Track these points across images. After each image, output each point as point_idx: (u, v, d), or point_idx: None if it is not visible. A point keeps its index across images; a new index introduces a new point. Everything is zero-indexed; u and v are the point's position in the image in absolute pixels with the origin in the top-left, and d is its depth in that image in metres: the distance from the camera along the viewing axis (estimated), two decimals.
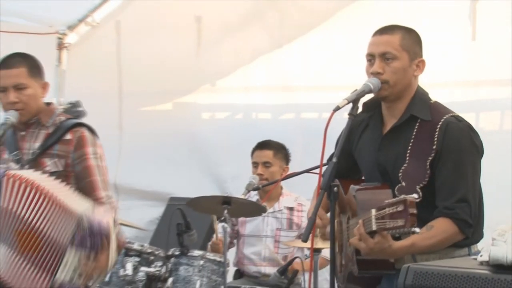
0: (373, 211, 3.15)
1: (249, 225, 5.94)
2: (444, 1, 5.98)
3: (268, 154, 5.89)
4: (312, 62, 6.79)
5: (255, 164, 5.90)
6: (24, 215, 3.64)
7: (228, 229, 5.20)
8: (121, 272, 5.17)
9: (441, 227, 3.32)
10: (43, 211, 3.62)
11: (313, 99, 6.88)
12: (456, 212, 3.32)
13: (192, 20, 7.16)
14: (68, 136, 4.06)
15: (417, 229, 3.00)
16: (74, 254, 3.68)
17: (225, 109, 7.64)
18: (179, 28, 7.21)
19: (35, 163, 4.02)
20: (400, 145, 3.45)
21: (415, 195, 3.01)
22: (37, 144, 4.06)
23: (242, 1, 6.97)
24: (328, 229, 3.53)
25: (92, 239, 3.68)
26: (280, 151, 5.96)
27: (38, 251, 3.64)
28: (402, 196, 3.02)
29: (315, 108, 6.89)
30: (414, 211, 2.96)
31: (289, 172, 5.75)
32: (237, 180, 6.22)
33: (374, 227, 3.14)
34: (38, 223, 3.62)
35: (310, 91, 6.89)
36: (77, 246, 3.68)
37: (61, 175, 3.99)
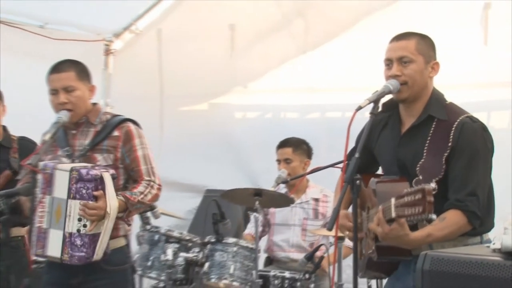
0: (393, 200, 3.13)
1: (278, 215, 5.93)
2: (458, 9, 5.95)
3: (287, 152, 5.89)
4: (335, 66, 6.76)
5: (278, 161, 5.92)
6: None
7: (260, 218, 5.20)
8: (162, 257, 5.18)
9: (452, 219, 3.29)
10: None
11: (336, 99, 6.86)
12: (466, 204, 3.29)
13: (226, 28, 7.16)
14: (116, 133, 4.08)
15: (434, 216, 2.97)
16: (74, 204, 3.72)
17: (255, 109, 7.64)
18: (214, 35, 7.21)
19: (86, 158, 4.04)
20: (418, 142, 3.42)
21: (432, 185, 3.00)
22: (87, 141, 4.08)
23: (271, 11, 6.95)
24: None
25: (85, 187, 3.74)
26: (300, 147, 5.95)
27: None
28: (421, 186, 3.00)
29: (338, 108, 6.86)
30: (432, 199, 2.94)
31: (314, 167, 5.74)
32: (267, 174, 6.20)
33: (393, 215, 3.12)
34: None
35: (333, 92, 6.88)
36: (74, 197, 3.72)
37: (111, 168, 4.01)
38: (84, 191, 3.75)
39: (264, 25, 7.04)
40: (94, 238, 3.78)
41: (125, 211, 3.98)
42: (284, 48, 7.08)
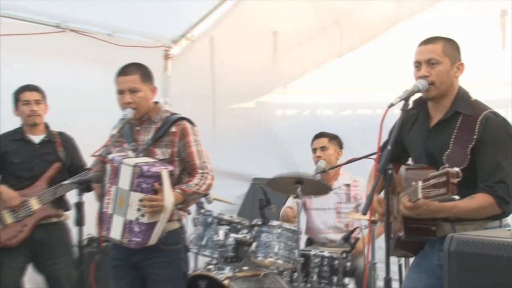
0: (420, 183, 3.09)
1: (315, 200, 5.89)
2: (477, 19, 5.88)
3: (324, 141, 5.86)
4: (366, 68, 6.70)
5: (314, 150, 5.87)
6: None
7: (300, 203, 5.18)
8: (215, 238, 5.17)
9: (481, 198, 3.25)
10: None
11: (367, 98, 6.79)
12: (496, 190, 3.24)
13: (270, 35, 7.14)
14: (173, 129, 4.08)
15: (456, 197, 2.92)
16: (135, 196, 3.72)
17: (294, 107, 7.59)
18: (259, 41, 7.18)
19: (148, 152, 4.06)
20: (445, 135, 3.38)
21: (456, 168, 2.93)
22: (149, 137, 4.09)
23: (310, 19, 6.92)
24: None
25: (145, 182, 3.74)
26: (334, 138, 5.92)
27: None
28: (445, 169, 2.94)
29: (368, 106, 6.82)
30: (455, 181, 2.89)
31: (347, 159, 5.71)
32: (305, 166, 6.16)
33: (420, 195, 3.07)
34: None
35: (364, 92, 6.80)
36: (135, 190, 3.72)
37: (168, 162, 4.02)
38: (144, 185, 3.76)
39: (304, 32, 7.01)
40: (150, 226, 3.80)
41: (183, 202, 4.00)
42: (321, 53, 7.05)
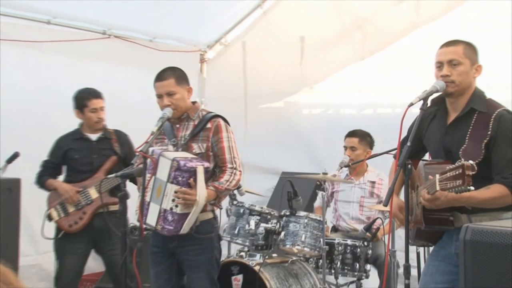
0: (437, 176, 3.06)
1: (342, 193, 5.86)
2: (491, 25, 5.80)
3: (354, 141, 5.77)
4: (386, 70, 6.65)
5: (345, 148, 5.81)
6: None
7: (325, 197, 5.16)
8: (246, 227, 5.16)
9: (496, 188, 3.20)
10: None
11: (387, 98, 6.73)
12: (511, 181, 3.18)
13: (297, 40, 7.13)
14: (208, 125, 4.08)
15: (472, 188, 2.89)
16: (171, 187, 3.71)
17: (319, 107, 7.55)
18: (287, 46, 7.18)
19: (186, 147, 4.06)
20: (462, 131, 3.34)
21: (471, 161, 2.90)
22: (187, 133, 4.09)
23: (334, 25, 6.89)
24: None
25: (181, 175, 3.72)
26: (365, 138, 5.82)
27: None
28: (461, 162, 2.92)
29: (388, 106, 6.77)
30: (470, 173, 2.87)
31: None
32: (330, 160, 6.12)
33: (437, 188, 3.04)
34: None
35: (385, 92, 6.74)
36: (171, 182, 3.71)
37: (203, 155, 4.02)
38: (180, 178, 3.74)
39: (329, 37, 6.98)
40: (182, 216, 3.78)
41: (216, 198, 4.00)
42: (344, 56, 7.02)
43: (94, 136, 5.11)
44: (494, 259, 2.42)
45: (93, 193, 4.96)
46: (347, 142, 5.81)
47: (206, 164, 3.88)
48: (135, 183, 4.73)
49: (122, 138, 5.18)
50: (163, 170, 3.78)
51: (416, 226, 3.41)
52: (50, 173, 5.10)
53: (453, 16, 6.17)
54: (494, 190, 3.20)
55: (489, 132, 3.25)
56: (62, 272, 4.96)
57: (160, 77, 4.08)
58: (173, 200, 3.75)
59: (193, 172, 3.76)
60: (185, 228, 3.81)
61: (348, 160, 5.56)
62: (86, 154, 5.06)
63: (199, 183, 3.77)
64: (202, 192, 3.78)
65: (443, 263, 3.41)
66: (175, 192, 3.74)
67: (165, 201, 3.77)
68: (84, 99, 5.05)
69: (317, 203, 6.06)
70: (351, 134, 5.83)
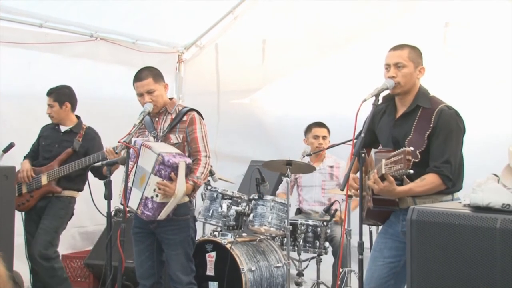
0: (383, 160, 3.13)
1: (304, 178, 5.87)
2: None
3: (324, 131, 5.78)
4: (343, 70, 6.55)
5: (316, 137, 5.76)
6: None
7: (290, 181, 5.17)
8: (219, 210, 5.18)
9: (430, 179, 3.24)
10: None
11: (342, 95, 6.48)
12: (442, 170, 3.24)
13: (260, 42, 7.12)
14: (184, 118, 4.06)
15: (411, 171, 2.98)
16: (154, 179, 3.71)
17: (280, 103, 7.26)
18: (252, 47, 7.15)
19: (165, 138, 4.05)
20: (408, 124, 3.38)
21: (411, 148, 2.98)
22: (166, 125, 4.08)
23: (297, 28, 6.85)
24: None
25: (164, 169, 3.71)
26: (328, 129, 5.82)
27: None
28: (402, 149, 2.99)
29: (343, 101, 6.50)
30: (410, 157, 2.95)
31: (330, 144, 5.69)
32: (289, 150, 6.02)
33: (383, 171, 3.11)
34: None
35: (339, 88, 6.57)
36: (155, 174, 3.71)
37: (180, 145, 4.01)
38: (163, 172, 3.72)
39: (291, 39, 6.91)
40: (161, 205, 3.77)
41: (193, 190, 4.00)
42: (302, 56, 6.91)
43: (64, 128, 5.11)
44: (437, 236, 2.47)
45: (44, 180, 4.96)
46: (319, 132, 5.77)
47: (188, 161, 3.87)
48: (100, 177, 4.75)
49: (89, 134, 5.11)
50: (149, 162, 3.76)
51: (367, 207, 3.45)
52: (31, 155, 5.18)
53: (407, 18, 6.13)
54: (428, 181, 3.24)
55: (431, 125, 3.29)
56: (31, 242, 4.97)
57: (139, 77, 4.05)
58: (154, 190, 3.74)
59: (175, 168, 3.74)
60: (162, 215, 3.80)
61: (310, 149, 5.57)
62: (50, 142, 5.10)
63: (180, 178, 3.75)
64: (181, 186, 3.77)
65: (391, 240, 3.45)
66: (157, 183, 3.73)
67: (148, 189, 3.76)
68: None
69: (280, 190, 6.06)
70: (321, 125, 5.82)
